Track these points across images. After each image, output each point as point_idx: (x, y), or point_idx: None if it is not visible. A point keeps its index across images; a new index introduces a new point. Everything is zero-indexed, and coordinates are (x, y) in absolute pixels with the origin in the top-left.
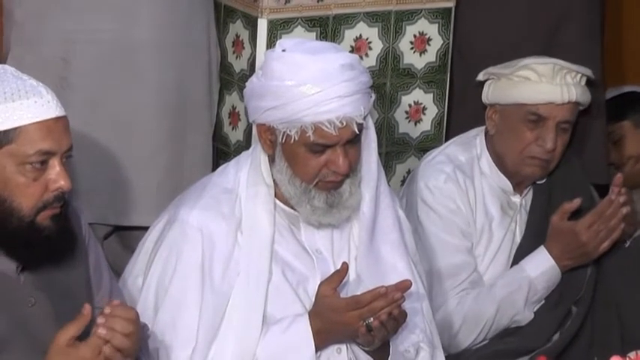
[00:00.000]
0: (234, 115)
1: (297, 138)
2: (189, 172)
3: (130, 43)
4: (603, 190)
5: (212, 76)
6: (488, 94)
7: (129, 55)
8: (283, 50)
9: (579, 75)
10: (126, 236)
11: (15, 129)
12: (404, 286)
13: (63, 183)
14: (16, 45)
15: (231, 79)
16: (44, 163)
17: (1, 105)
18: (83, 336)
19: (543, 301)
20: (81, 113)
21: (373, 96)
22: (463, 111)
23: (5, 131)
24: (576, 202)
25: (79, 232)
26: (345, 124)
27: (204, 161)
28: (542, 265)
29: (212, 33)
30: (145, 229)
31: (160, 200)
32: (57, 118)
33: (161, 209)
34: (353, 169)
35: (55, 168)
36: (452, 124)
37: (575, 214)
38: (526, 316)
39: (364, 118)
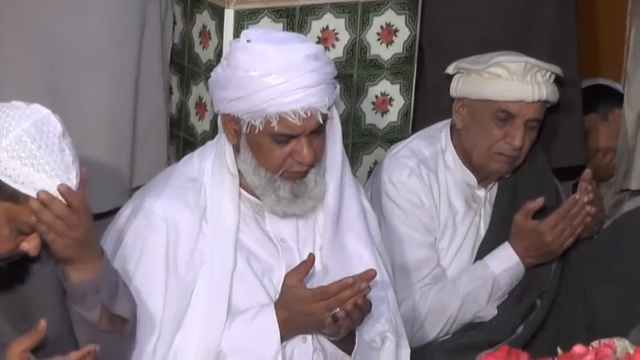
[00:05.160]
0: (200, 105)
1: (261, 128)
2: (142, 160)
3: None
4: (579, 170)
5: (165, 58)
6: (457, 88)
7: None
8: (248, 40)
9: (549, 73)
10: None
11: (27, 196)
12: (369, 276)
13: (31, 248)
14: None
15: (197, 70)
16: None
17: (31, 171)
18: (36, 351)
19: (507, 296)
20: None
21: (338, 87)
22: (434, 103)
23: (18, 192)
24: (539, 202)
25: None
26: (309, 114)
27: (158, 145)
28: (506, 261)
29: (167, 13)
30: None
31: (112, 186)
32: None
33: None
34: (317, 159)
35: (33, 235)
36: (421, 116)
37: (541, 210)
38: (489, 312)
39: (329, 109)
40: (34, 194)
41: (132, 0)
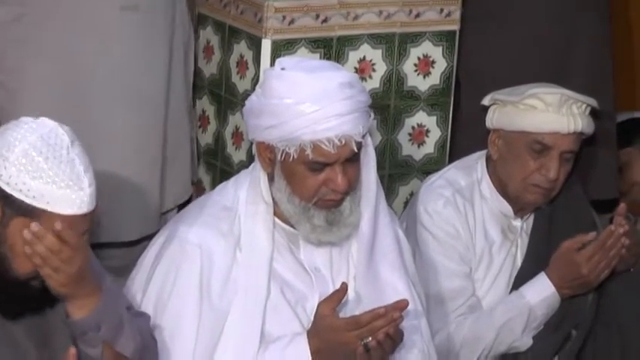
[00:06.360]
0: (237, 135)
1: (295, 156)
2: (170, 184)
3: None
4: (615, 204)
5: (188, 82)
6: (493, 119)
7: (108, 79)
8: (282, 68)
9: (585, 105)
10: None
11: (42, 209)
12: (401, 306)
13: None
14: None
15: (234, 100)
16: None
17: (41, 184)
18: None
19: (542, 326)
20: None
21: (372, 115)
22: (470, 134)
23: (33, 207)
24: (591, 236)
25: None
26: (343, 142)
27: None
28: (542, 292)
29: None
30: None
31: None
32: (85, 214)
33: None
34: (352, 187)
35: None
36: (458, 147)
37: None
38: (524, 342)
39: (363, 137)
40: (48, 208)
41: (156, 26)
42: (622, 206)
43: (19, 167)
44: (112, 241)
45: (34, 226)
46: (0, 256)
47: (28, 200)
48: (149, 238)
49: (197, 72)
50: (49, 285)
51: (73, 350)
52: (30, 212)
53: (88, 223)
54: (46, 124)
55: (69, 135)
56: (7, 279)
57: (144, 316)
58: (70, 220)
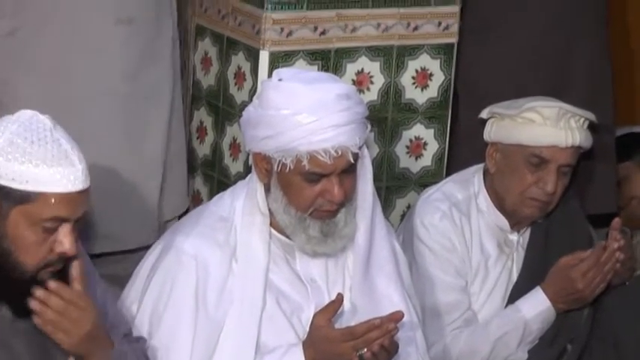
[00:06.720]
0: (234, 146)
1: (292, 167)
2: (168, 193)
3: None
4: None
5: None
6: (491, 133)
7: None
8: (280, 79)
9: (583, 119)
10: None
11: (37, 192)
12: (397, 317)
13: (68, 248)
14: None
15: (232, 111)
16: (56, 227)
17: (30, 167)
18: None
19: (538, 340)
20: None
21: (369, 127)
22: (468, 147)
23: (27, 192)
24: (589, 253)
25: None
26: (340, 153)
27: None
28: (538, 306)
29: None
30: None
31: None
32: (81, 190)
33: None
34: (348, 198)
35: (64, 231)
36: (457, 159)
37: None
38: (520, 357)
39: (360, 148)
40: (42, 189)
41: (150, 39)
42: (616, 220)
43: (7, 157)
44: (111, 250)
45: (39, 292)
46: (5, 253)
47: (22, 187)
48: (147, 248)
49: (195, 83)
50: (63, 347)
51: None
52: (26, 198)
53: (84, 206)
54: (25, 112)
55: (50, 120)
56: (17, 276)
57: (140, 342)
58: (67, 199)
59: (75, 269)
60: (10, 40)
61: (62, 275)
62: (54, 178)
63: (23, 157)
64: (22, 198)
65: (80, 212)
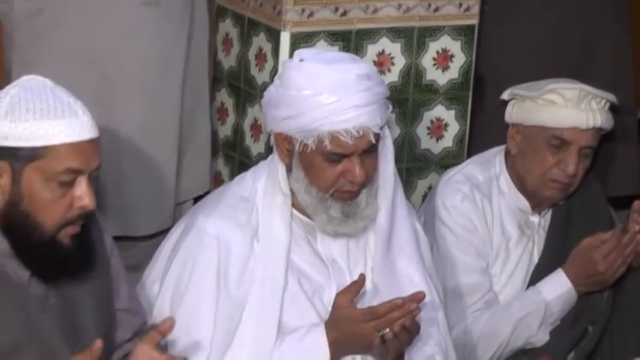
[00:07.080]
0: (256, 127)
1: (314, 147)
2: (188, 174)
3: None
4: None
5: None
6: (512, 114)
7: (126, 75)
8: (301, 60)
9: (604, 100)
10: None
11: (45, 146)
12: (418, 298)
13: (88, 202)
14: (16, 66)
15: (253, 92)
16: (71, 181)
17: (35, 122)
18: None
19: (559, 322)
20: None
21: (390, 107)
22: (489, 128)
23: (35, 148)
24: (611, 234)
25: (100, 246)
26: (361, 133)
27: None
28: (559, 288)
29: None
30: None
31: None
32: (89, 140)
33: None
34: (369, 179)
35: (81, 186)
36: (477, 141)
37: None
38: (540, 339)
39: (381, 129)
40: (50, 143)
41: (175, 21)
42: (637, 202)
43: (11, 118)
44: (128, 235)
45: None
46: (23, 215)
47: (30, 144)
48: (164, 233)
49: (216, 64)
50: None
51: (99, 343)
52: (36, 155)
53: (96, 157)
54: (23, 77)
55: (49, 80)
56: (37, 238)
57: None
58: (77, 150)
59: None
60: (36, 20)
61: (80, 238)
62: (59, 130)
63: (27, 115)
64: (32, 155)
65: (93, 164)
